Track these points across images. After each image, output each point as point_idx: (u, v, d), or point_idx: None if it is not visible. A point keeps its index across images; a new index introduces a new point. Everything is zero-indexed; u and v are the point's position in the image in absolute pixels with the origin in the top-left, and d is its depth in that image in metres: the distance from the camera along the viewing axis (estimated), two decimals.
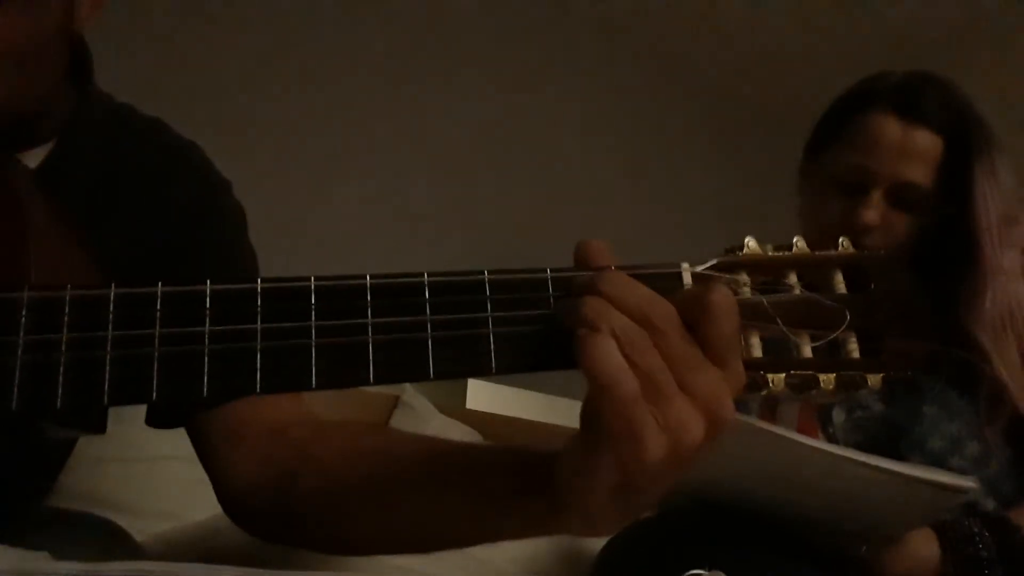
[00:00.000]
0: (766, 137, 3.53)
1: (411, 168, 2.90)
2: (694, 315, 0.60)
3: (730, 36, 3.45)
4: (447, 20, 3.07)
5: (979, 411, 1.38)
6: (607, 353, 0.58)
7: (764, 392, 0.63)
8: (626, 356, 0.58)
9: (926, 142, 1.45)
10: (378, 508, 0.83)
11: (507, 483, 0.73)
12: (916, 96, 1.47)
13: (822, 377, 0.63)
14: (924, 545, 1.22)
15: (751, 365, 0.64)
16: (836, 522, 1.19)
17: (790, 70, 3.50)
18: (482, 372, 0.64)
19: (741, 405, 1.48)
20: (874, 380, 0.64)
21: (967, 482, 1.10)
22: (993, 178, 1.43)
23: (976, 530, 1.23)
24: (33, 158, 0.95)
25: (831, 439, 1.42)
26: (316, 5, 2.85)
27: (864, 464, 1.08)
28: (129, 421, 1.42)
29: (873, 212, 1.43)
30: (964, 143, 1.45)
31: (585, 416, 0.63)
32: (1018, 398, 1.36)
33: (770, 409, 1.50)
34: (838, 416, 1.44)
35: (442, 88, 3.04)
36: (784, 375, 0.63)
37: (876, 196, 1.45)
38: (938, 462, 1.35)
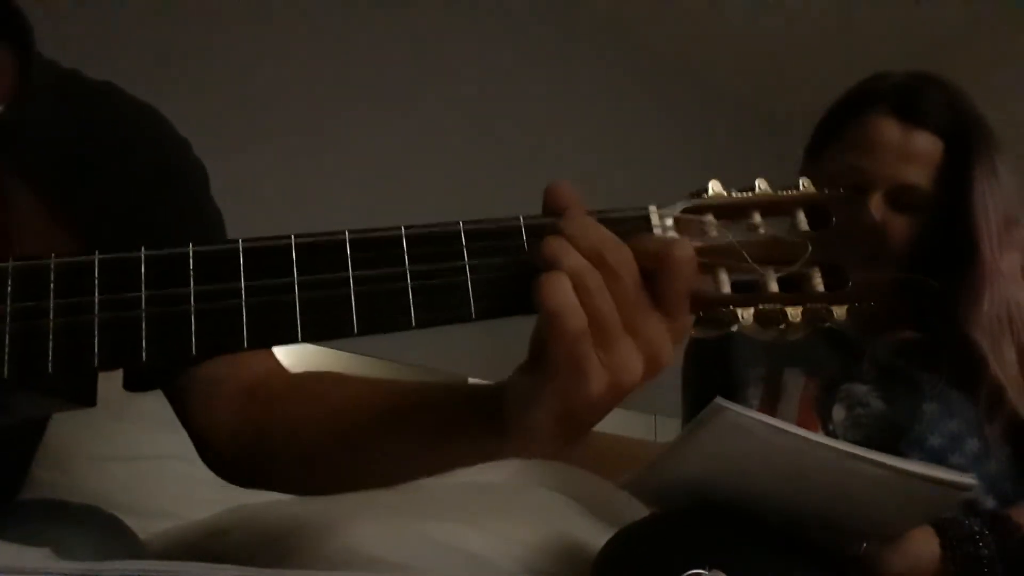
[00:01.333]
0: (744, 113, 3.60)
1: (403, 146, 2.95)
2: (653, 265, 0.62)
3: (721, 26, 3.49)
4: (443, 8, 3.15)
5: (979, 409, 1.38)
6: (558, 288, 0.60)
7: (735, 327, 0.64)
8: (578, 294, 0.60)
9: (926, 144, 1.45)
10: (342, 452, 0.86)
11: (459, 415, 0.76)
12: (916, 98, 1.47)
13: (789, 310, 0.65)
14: (924, 543, 1.21)
15: (720, 301, 0.65)
16: (836, 519, 1.19)
17: (776, 58, 3.54)
18: (463, 319, 0.65)
19: (743, 401, 1.50)
20: (839, 312, 0.65)
21: (967, 479, 1.10)
22: (994, 179, 1.43)
23: (976, 528, 1.22)
24: None
25: (831, 436, 1.42)
26: None
27: (864, 459, 1.08)
28: (129, 419, 1.44)
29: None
30: (964, 145, 1.44)
31: (533, 347, 0.66)
32: (1016, 400, 1.36)
33: (770, 408, 1.50)
34: (838, 413, 1.44)
35: (435, 73, 3.12)
36: (752, 309, 0.65)
37: (876, 198, 1.44)
38: (938, 460, 1.34)
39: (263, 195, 2.46)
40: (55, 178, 0.99)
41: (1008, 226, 1.42)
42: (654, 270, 0.62)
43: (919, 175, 1.44)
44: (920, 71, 1.54)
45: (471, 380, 2.66)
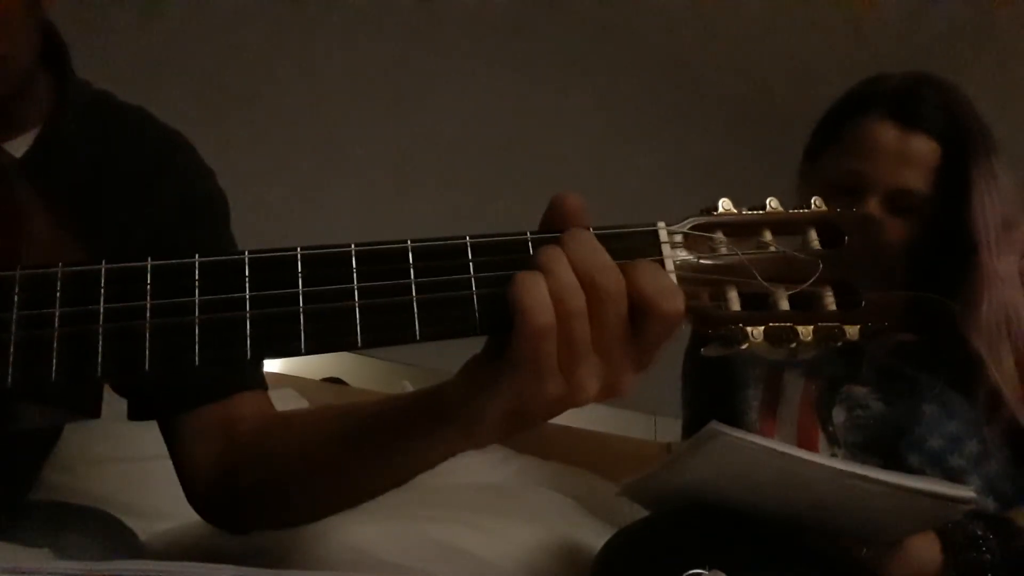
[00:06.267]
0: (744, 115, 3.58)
1: (409, 159, 2.97)
2: (642, 307, 0.62)
3: (721, 28, 3.47)
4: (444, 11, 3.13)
5: (978, 410, 1.37)
6: (531, 285, 0.61)
7: (745, 345, 0.64)
8: (556, 310, 0.61)
9: (923, 148, 1.43)
10: (309, 480, 0.89)
11: (408, 419, 0.77)
12: (913, 101, 1.45)
13: (801, 329, 0.64)
14: (926, 548, 1.21)
15: (730, 319, 0.65)
16: (835, 527, 1.19)
17: (775, 60, 3.52)
18: (468, 333, 0.65)
19: (742, 405, 1.51)
20: (852, 331, 0.65)
21: (967, 492, 1.10)
22: (992, 182, 1.42)
23: (980, 533, 1.21)
24: (17, 147, 0.96)
25: (831, 438, 1.42)
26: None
27: (864, 477, 1.08)
28: (128, 420, 1.43)
29: None
30: (962, 148, 1.43)
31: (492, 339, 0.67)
32: (1014, 405, 1.36)
33: (770, 409, 1.50)
34: (838, 416, 1.44)
35: (438, 82, 3.11)
36: (763, 328, 0.64)
37: (873, 202, 1.43)
38: (938, 461, 1.35)
39: (264, 202, 2.46)
40: (81, 200, 0.99)
41: (1006, 229, 1.41)
42: (643, 314, 0.62)
43: (916, 179, 1.43)
44: (918, 73, 1.52)
45: None
